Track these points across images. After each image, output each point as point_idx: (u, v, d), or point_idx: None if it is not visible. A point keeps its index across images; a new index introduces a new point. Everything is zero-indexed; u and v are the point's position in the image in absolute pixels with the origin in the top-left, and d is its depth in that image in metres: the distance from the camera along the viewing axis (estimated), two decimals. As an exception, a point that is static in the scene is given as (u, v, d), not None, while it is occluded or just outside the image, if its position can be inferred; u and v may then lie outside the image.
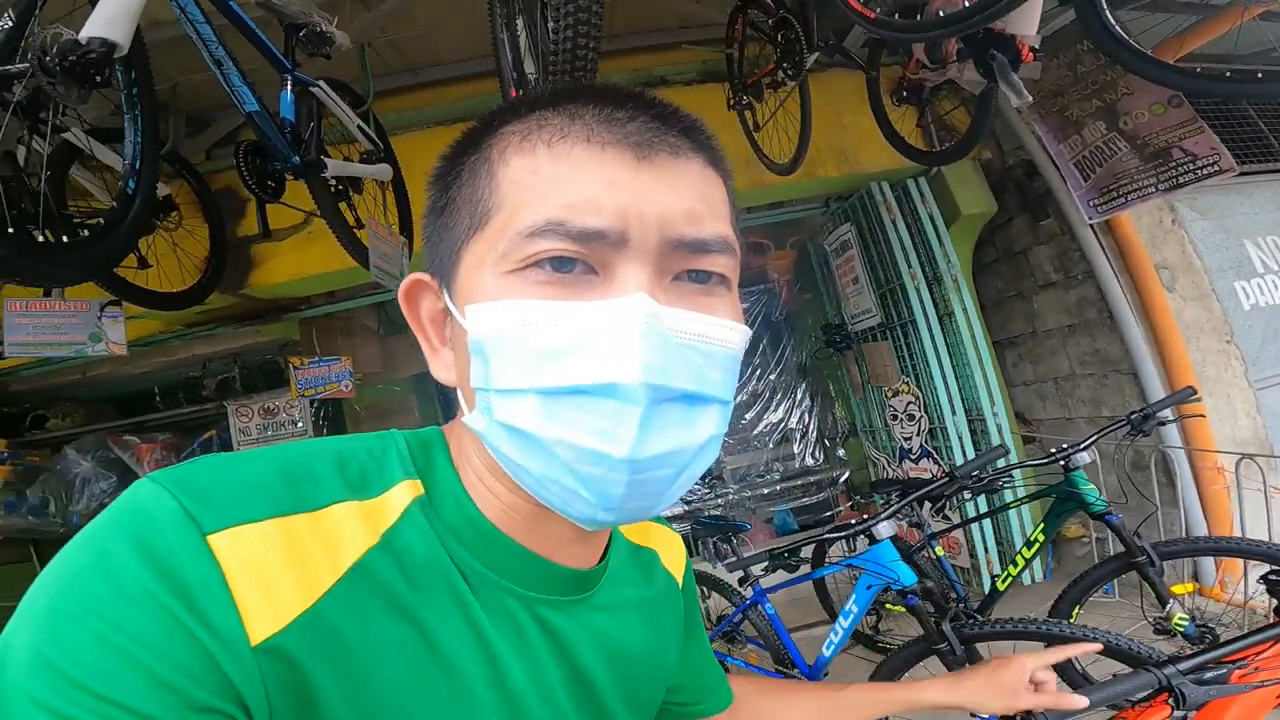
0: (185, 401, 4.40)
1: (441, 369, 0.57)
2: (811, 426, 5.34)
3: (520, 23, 2.04)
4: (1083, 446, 2.26)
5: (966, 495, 2.39)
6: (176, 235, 2.95)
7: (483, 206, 0.51)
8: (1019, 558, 2.51)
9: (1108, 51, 2.13)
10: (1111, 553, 2.29)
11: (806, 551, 2.96)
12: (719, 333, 0.51)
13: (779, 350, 5.40)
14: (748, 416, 5.37)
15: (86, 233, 1.94)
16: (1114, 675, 1.03)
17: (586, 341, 0.46)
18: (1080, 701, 0.90)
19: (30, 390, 4.22)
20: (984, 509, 3.29)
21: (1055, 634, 1.91)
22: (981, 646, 2.03)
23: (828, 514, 5.11)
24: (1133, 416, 2.33)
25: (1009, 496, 2.90)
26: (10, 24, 1.57)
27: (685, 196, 0.51)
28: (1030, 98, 2.24)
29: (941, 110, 3.49)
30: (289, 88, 2.34)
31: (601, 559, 0.65)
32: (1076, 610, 2.32)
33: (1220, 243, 3.36)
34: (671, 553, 0.78)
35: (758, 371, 5.39)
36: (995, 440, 3.46)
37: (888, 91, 3.17)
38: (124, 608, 0.39)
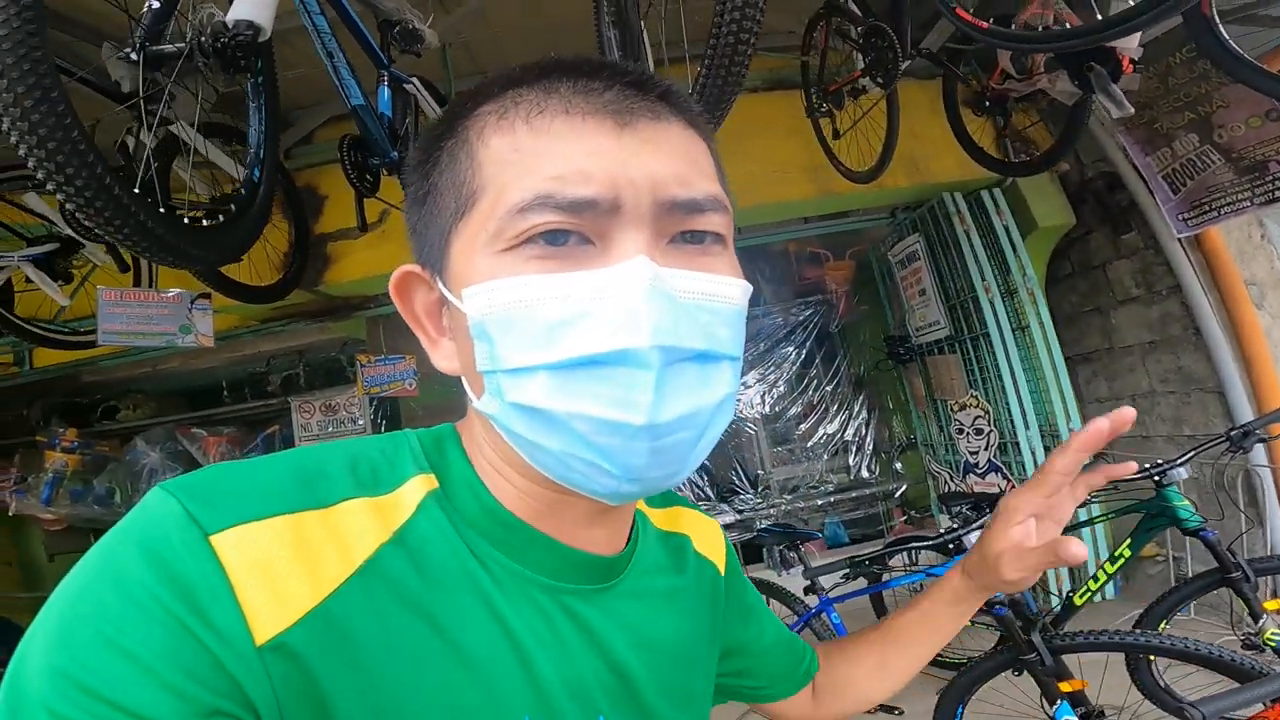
0: (250, 396, 4.48)
1: (443, 359, 0.56)
2: (868, 439, 5.28)
3: (632, 18, 2.04)
4: (1180, 462, 2.21)
5: None
6: (266, 231, 3.04)
7: (467, 189, 0.51)
8: (1100, 573, 2.45)
9: (1221, 64, 2.12)
10: (1189, 572, 2.24)
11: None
12: (722, 289, 0.51)
13: (835, 362, 5.35)
14: (802, 428, 5.33)
15: (221, 219, 1.98)
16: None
17: (591, 310, 0.46)
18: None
19: (102, 381, 4.35)
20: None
21: (1149, 645, 1.88)
22: (1071, 663, 1.99)
23: (879, 527, 5.05)
24: (1232, 433, 2.28)
25: (1093, 511, 2.83)
26: (158, 5, 1.57)
27: (672, 159, 0.50)
28: (1132, 109, 2.22)
29: (1021, 123, 3.45)
30: (386, 83, 2.37)
31: (626, 545, 0.63)
32: (1163, 625, 2.27)
33: None
34: (706, 537, 0.75)
35: (814, 382, 5.35)
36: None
37: (963, 101, 3.16)
38: (131, 613, 0.39)
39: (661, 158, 0.50)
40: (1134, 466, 0.79)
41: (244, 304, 3.07)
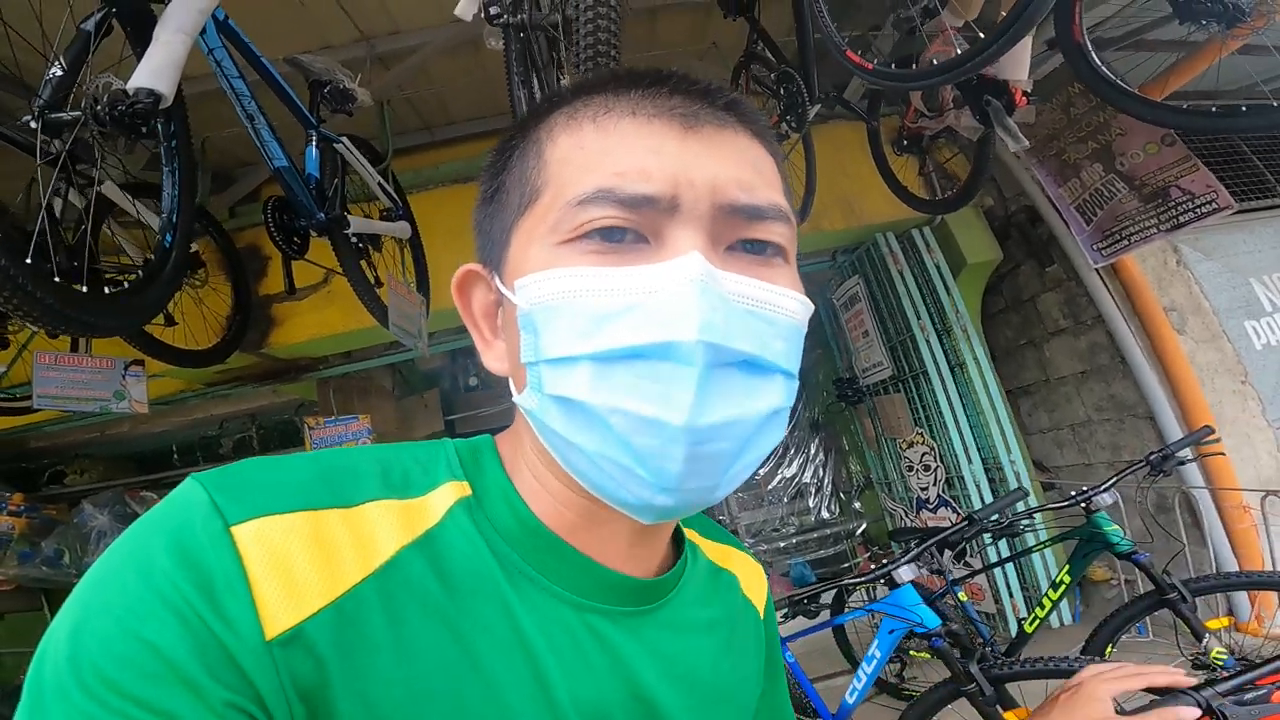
0: (202, 459, 4.44)
1: (494, 360, 0.56)
2: (826, 480, 5.27)
3: (536, 81, 2.10)
4: (1103, 489, 2.24)
5: (987, 540, 2.33)
6: (201, 293, 3.01)
7: (532, 185, 0.51)
8: (1045, 600, 2.44)
9: (1098, 92, 2.17)
10: (1141, 593, 2.24)
11: (826, 600, 2.90)
12: (780, 300, 0.49)
13: (792, 407, 5.36)
14: (762, 472, 5.31)
15: (126, 285, 1.96)
16: (1152, 701, 0.98)
17: (639, 304, 0.45)
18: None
19: (50, 447, 4.29)
20: (1005, 554, 3.21)
21: (1079, 670, 1.83)
22: (1013, 689, 1.96)
23: (845, 565, 5.02)
24: (1151, 457, 2.31)
25: (1031, 540, 2.84)
26: (62, 72, 1.58)
27: (736, 164, 0.50)
28: (1026, 141, 2.28)
29: (941, 158, 3.53)
30: (314, 144, 2.38)
31: (668, 572, 0.60)
32: (1109, 649, 2.25)
33: (1227, 283, 3.35)
34: (752, 580, 0.72)
35: (771, 428, 5.34)
36: (1014, 486, 3.39)
37: (888, 140, 3.22)
38: (151, 602, 0.39)
39: (725, 162, 0.49)
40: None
41: (179, 368, 3.01)
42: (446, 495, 0.51)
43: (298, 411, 4.41)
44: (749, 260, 0.50)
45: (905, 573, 2.13)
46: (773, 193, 0.51)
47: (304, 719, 0.41)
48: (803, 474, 5.30)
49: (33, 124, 1.58)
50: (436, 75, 3.18)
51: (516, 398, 0.52)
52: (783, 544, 5.09)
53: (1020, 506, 2.44)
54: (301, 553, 0.43)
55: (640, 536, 0.56)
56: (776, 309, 0.49)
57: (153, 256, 2.04)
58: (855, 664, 2.65)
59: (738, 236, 0.49)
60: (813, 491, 5.27)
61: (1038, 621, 2.47)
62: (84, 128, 1.60)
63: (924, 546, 2.20)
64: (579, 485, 0.51)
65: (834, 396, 4.79)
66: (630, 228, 0.47)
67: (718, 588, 0.66)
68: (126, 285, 1.94)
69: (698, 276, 0.44)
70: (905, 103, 3.01)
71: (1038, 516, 2.36)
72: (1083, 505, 2.24)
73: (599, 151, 0.49)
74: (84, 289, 1.74)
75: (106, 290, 1.86)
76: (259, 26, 2.20)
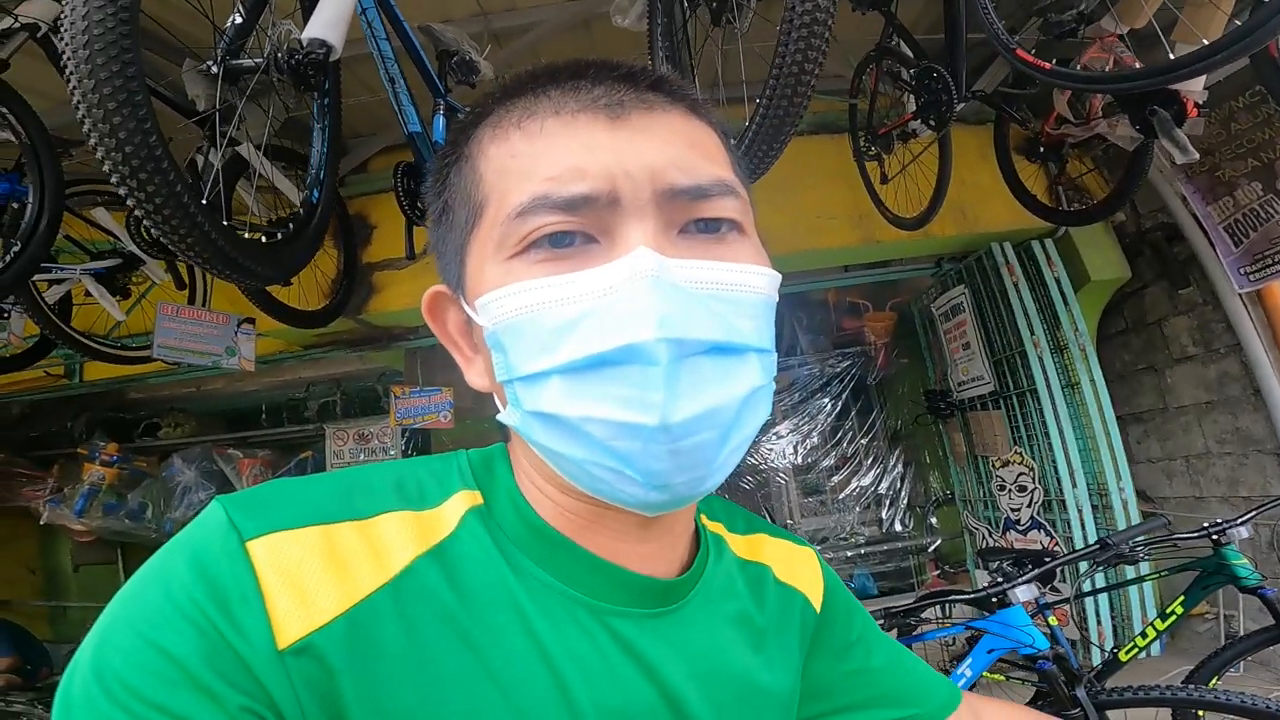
0: (287, 421, 4.54)
1: (475, 376, 0.56)
2: (902, 493, 5.13)
3: (687, 57, 2.06)
4: (1240, 521, 2.17)
5: (1084, 566, 2.27)
6: (315, 255, 3.09)
7: (473, 202, 0.51)
8: (1149, 629, 2.35)
9: None
10: (1240, 630, 2.15)
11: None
12: (740, 278, 0.48)
13: (871, 415, 5.24)
14: (834, 480, 5.21)
15: (280, 236, 2.01)
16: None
17: (594, 309, 0.44)
18: None
19: (148, 399, 4.44)
20: (1101, 583, 3.08)
21: (1201, 700, 1.79)
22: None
23: (910, 581, 4.90)
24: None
25: (1142, 569, 2.73)
26: (241, 19, 1.60)
27: (670, 145, 0.49)
28: (1196, 154, 2.17)
29: (1075, 170, 3.37)
30: (442, 112, 2.40)
31: (688, 570, 0.59)
32: (1215, 680, 2.16)
33: None
34: (792, 565, 0.70)
35: (848, 435, 5.23)
36: (1120, 515, 3.25)
37: (1015, 147, 3.10)
38: (169, 613, 0.40)
39: (658, 145, 0.48)
40: None
41: (289, 327, 3.08)
42: (459, 504, 0.52)
43: (380, 380, 4.49)
44: (704, 240, 0.49)
45: (1024, 592, 2.08)
46: (714, 167, 0.50)
47: None
48: (878, 484, 5.17)
49: (214, 69, 1.60)
50: (546, 54, 3.16)
51: (501, 415, 0.52)
52: (849, 553, 4.98)
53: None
54: (314, 565, 0.44)
55: (648, 532, 0.55)
56: (737, 287, 0.48)
57: (301, 212, 2.09)
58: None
59: (688, 218, 0.49)
60: (887, 503, 5.14)
61: (1135, 650, 2.37)
62: (264, 75, 1.62)
63: (1048, 567, 2.14)
64: (576, 489, 0.51)
65: (922, 408, 4.66)
66: (576, 230, 0.47)
67: (746, 580, 0.64)
68: (280, 237, 1.99)
69: (648, 272, 0.44)
70: (1037, 109, 2.89)
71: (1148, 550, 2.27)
72: (1213, 537, 2.16)
73: (529, 157, 0.48)
74: (248, 236, 1.79)
75: (265, 239, 1.91)
76: None
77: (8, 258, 2.14)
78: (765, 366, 0.50)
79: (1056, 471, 3.44)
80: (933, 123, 2.56)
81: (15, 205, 2.28)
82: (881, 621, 2.59)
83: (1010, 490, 3.79)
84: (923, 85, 2.52)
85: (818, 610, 0.69)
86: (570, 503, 0.53)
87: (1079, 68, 2.22)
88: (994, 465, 3.92)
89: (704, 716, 0.53)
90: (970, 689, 2.86)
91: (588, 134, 0.48)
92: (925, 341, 4.65)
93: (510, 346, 0.47)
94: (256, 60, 1.61)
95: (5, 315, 2.95)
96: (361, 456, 4.20)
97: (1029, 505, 3.66)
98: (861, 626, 0.75)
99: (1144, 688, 1.85)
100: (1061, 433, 3.44)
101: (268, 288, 2.74)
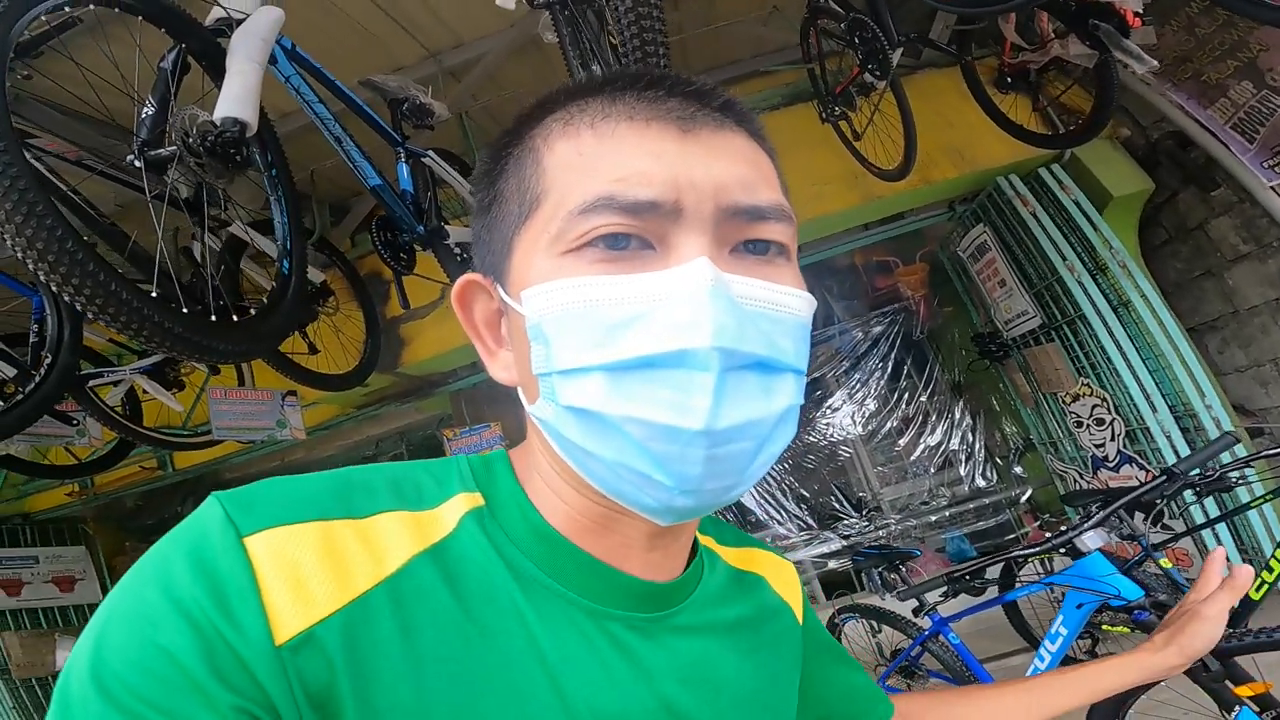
0: (364, 479, 4.64)
1: (500, 369, 0.54)
2: (977, 446, 4.71)
3: (597, 62, 1.95)
4: None
5: (1190, 498, 1.92)
6: (336, 320, 3.12)
7: (531, 194, 0.49)
8: (1274, 562, 1.97)
9: (1234, 8, 2.00)
10: None
11: (993, 575, 2.55)
12: (786, 299, 0.47)
13: (926, 370, 4.87)
14: (902, 443, 4.85)
15: (253, 312, 2.03)
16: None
17: (650, 311, 0.43)
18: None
19: (240, 477, 4.62)
20: (1213, 513, 2.67)
21: None
22: (1246, 663, 1.60)
23: (1011, 536, 4.48)
24: None
25: (1244, 496, 2.33)
26: (153, 109, 1.60)
27: (736, 164, 0.48)
28: (1155, 62, 2.09)
29: (1054, 92, 3.16)
30: (403, 160, 2.41)
31: (684, 574, 0.57)
32: None
33: None
34: (782, 579, 0.69)
35: (906, 394, 4.88)
36: (1214, 435, 2.82)
37: (989, 81, 2.97)
38: (166, 609, 0.39)
39: (725, 163, 0.47)
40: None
41: (326, 392, 3.11)
42: (459, 506, 0.50)
43: (439, 426, 4.54)
44: (753, 261, 0.48)
45: (1090, 540, 1.86)
46: (773, 192, 0.50)
47: None
48: (949, 441, 4.78)
49: (136, 163, 1.58)
50: (505, 80, 3.14)
51: (530, 408, 0.51)
52: (934, 518, 4.61)
53: (1227, 457, 1.99)
54: (312, 561, 0.42)
55: (657, 541, 0.54)
56: (783, 308, 0.47)
57: (274, 284, 2.09)
58: (1035, 642, 2.40)
59: (741, 238, 0.48)
60: (963, 459, 4.74)
61: (1265, 587, 1.99)
62: (181, 161, 1.59)
63: (1110, 510, 1.85)
64: (594, 492, 0.50)
65: (975, 354, 4.28)
66: (634, 234, 0.45)
67: (741, 589, 0.64)
68: (252, 313, 1.99)
69: (708, 282, 0.43)
70: (999, 40, 2.80)
71: (1252, 467, 1.90)
72: None
73: (598, 157, 0.47)
74: (213, 318, 1.79)
75: (235, 318, 1.89)
76: (327, 55, 2.21)
77: (44, 370, 2.22)
78: (799, 387, 0.50)
79: (1131, 398, 3.06)
80: (876, 72, 2.48)
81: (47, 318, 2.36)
82: (945, 588, 2.34)
83: (1089, 425, 3.40)
84: (857, 37, 2.49)
85: (800, 623, 0.70)
86: (583, 505, 0.51)
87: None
88: (1064, 401, 3.53)
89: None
90: (1085, 644, 2.57)
91: (658, 142, 0.47)
92: (962, 286, 4.27)
93: (555, 339, 0.46)
94: (171, 149, 1.60)
95: (76, 423, 3.09)
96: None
97: (1112, 439, 3.27)
98: (830, 641, 0.77)
99: (1267, 630, 1.56)
100: (1124, 355, 3.06)
101: (294, 359, 2.80)
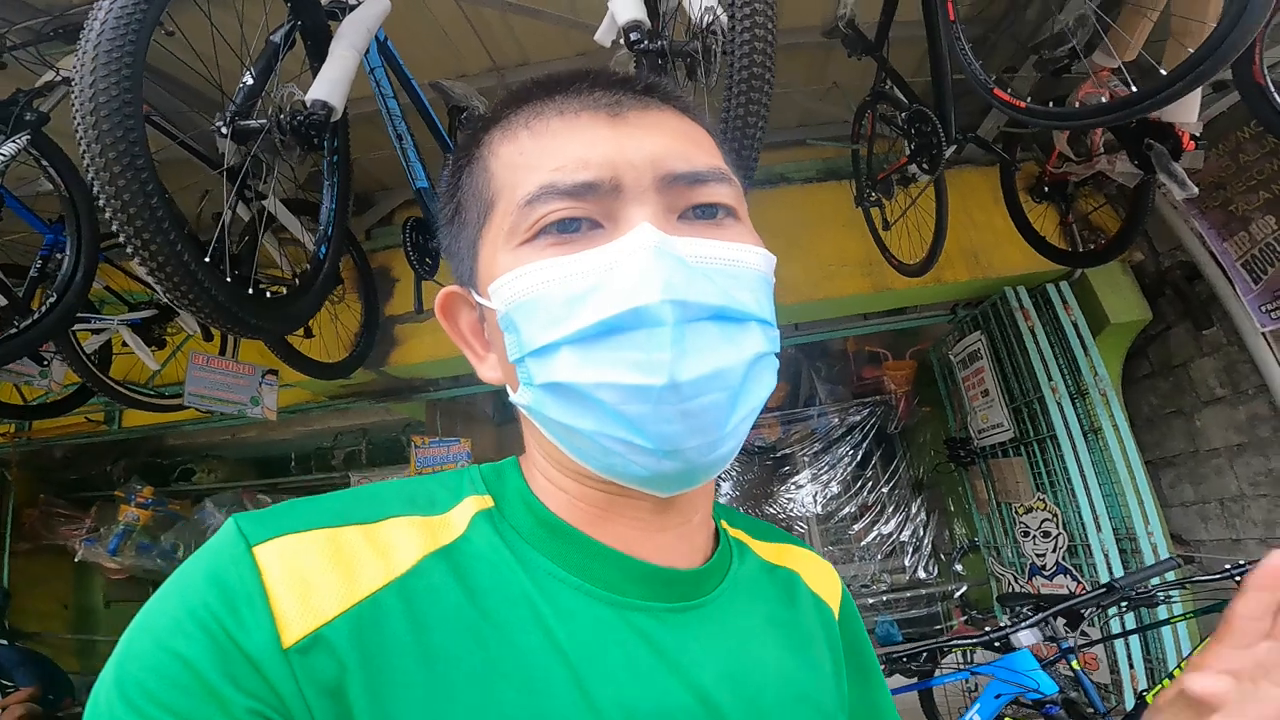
0: (315, 469, 4.62)
1: (488, 371, 0.57)
2: (926, 541, 4.99)
3: None
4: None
5: (1112, 610, 2.17)
6: (338, 309, 3.14)
7: (484, 199, 0.53)
8: (1177, 672, 2.27)
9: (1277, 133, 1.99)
10: None
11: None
12: (737, 254, 0.50)
13: (893, 464, 5.12)
14: (856, 528, 5.08)
15: (285, 292, 2.05)
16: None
17: (603, 282, 0.46)
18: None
19: (185, 445, 4.57)
20: (1130, 625, 2.91)
21: None
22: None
23: (937, 627, 4.74)
24: None
25: (1163, 613, 2.60)
26: (252, 82, 1.65)
27: (667, 137, 0.52)
28: (1195, 189, 2.12)
29: (1085, 208, 3.24)
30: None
31: (708, 562, 0.58)
32: None
33: None
34: (819, 577, 0.69)
35: (869, 483, 5.12)
36: (1149, 559, 3.05)
37: (1024, 188, 3.03)
38: (182, 619, 0.41)
39: (657, 137, 0.51)
40: None
41: (310, 378, 3.10)
42: (469, 508, 0.52)
43: (404, 430, 4.54)
44: (702, 225, 0.51)
45: (1025, 636, 2.07)
46: (710, 158, 0.53)
47: None
48: (900, 532, 5.03)
49: (223, 130, 1.64)
50: None
51: (513, 397, 0.53)
52: (871, 600, 4.83)
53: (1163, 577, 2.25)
54: (318, 565, 0.44)
55: (665, 519, 0.55)
56: (735, 263, 0.50)
57: (308, 267, 2.12)
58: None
59: (686, 204, 0.51)
60: (910, 551, 5.01)
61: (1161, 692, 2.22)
62: (268, 135, 1.64)
63: (1051, 611, 2.10)
64: (589, 475, 0.52)
65: (943, 456, 4.51)
66: (582, 216, 0.49)
67: (775, 584, 0.64)
68: (285, 292, 2.02)
69: (650, 243, 0.46)
70: (1047, 148, 2.84)
71: (1176, 590, 2.19)
72: (1236, 580, 2.07)
73: (537, 153, 0.51)
74: (251, 292, 1.82)
75: (269, 295, 1.93)
76: (406, 51, 2.29)
77: (43, 308, 2.22)
78: (768, 337, 0.51)
79: (1080, 517, 3.28)
80: (925, 166, 2.50)
81: (59, 256, 2.37)
82: (884, 666, 2.49)
83: (1034, 536, 3.63)
84: (914, 129, 2.50)
85: (836, 619, 0.68)
86: (583, 491, 0.53)
87: (1076, 104, 2.20)
88: (1017, 512, 3.76)
89: (741, 717, 0.51)
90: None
91: (590, 130, 0.51)
92: (945, 389, 4.51)
93: (522, 324, 0.49)
94: (261, 121, 1.65)
95: (45, 363, 3.05)
96: (385, 504, 4.22)
97: (1054, 551, 3.51)
98: (873, 656, 0.73)
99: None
100: (1084, 478, 3.28)
101: (289, 340, 2.80)
